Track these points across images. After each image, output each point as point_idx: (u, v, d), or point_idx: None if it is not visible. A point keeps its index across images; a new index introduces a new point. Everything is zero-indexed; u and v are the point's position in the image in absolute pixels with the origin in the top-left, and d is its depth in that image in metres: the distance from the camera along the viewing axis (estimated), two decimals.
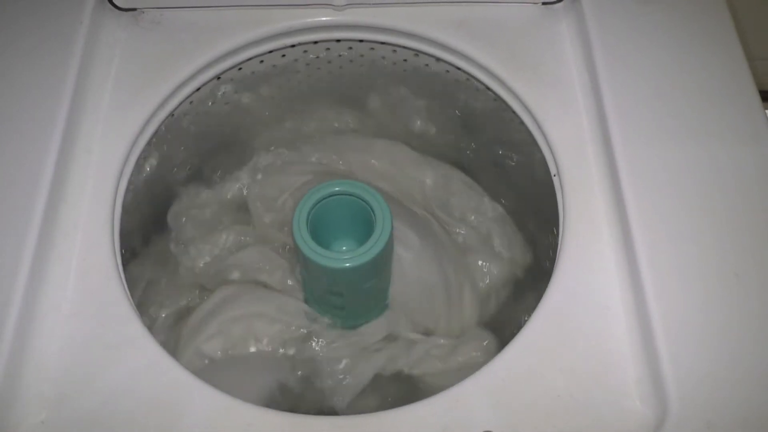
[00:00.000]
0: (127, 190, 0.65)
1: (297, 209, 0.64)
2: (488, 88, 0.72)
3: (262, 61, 0.78)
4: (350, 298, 0.69)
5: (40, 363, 0.53)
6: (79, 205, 0.61)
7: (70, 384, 0.53)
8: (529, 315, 0.57)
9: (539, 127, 0.66)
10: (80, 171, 0.62)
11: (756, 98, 0.63)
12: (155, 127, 0.69)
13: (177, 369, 0.54)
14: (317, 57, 0.82)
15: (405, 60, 0.81)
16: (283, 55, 0.79)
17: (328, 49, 0.81)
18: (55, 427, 0.51)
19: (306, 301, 0.72)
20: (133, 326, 0.55)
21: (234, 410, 0.52)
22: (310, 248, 0.62)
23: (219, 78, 0.76)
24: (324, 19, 0.73)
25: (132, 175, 0.66)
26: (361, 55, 0.82)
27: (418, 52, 0.77)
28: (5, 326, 0.52)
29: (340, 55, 0.82)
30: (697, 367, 0.51)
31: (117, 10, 0.70)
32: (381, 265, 0.66)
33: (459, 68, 0.74)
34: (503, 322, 0.77)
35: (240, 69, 0.77)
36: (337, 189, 0.65)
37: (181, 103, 0.72)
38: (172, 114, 0.72)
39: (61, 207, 0.60)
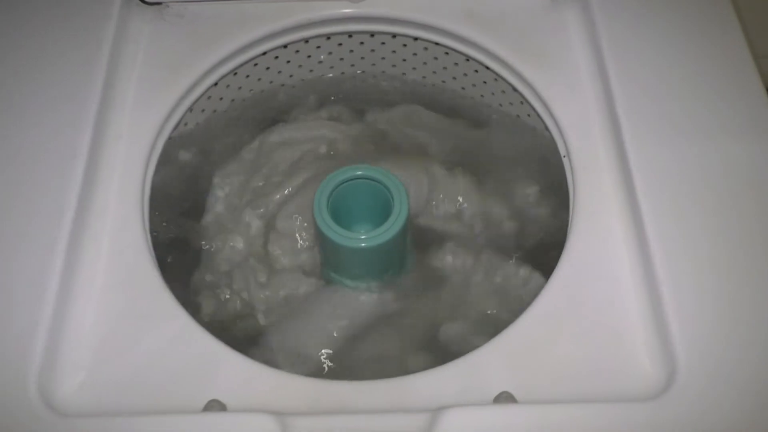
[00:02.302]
0: (155, 173, 0.68)
1: (318, 191, 0.66)
2: (499, 76, 0.75)
3: (276, 57, 0.81)
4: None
5: (78, 331, 0.56)
6: (110, 187, 0.63)
7: (106, 350, 0.55)
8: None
9: (548, 110, 0.69)
10: (111, 156, 0.65)
11: (756, 83, 0.65)
12: (180, 116, 0.72)
13: (206, 337, 0.56)
14: (330, 53, 0.84)
15: (415, 54, 0.83)
16: (297, 51, 0.82)
17: (341, 44, 0.83)
18: (92, 387, 0.53)
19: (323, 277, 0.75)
20: (163, 298, 0.58)
21: (261, 375, 0.54)
22: (329, 227, 0.65)
23: (235, 74, 0.78)
24: (342, 11, 0.76)
25: (159, 159, 0.69)
26: (372, 50, 0.84)
27: (427, 45, 0.80)
28: (46, 298, 0.55)
29: (351, 51, 0.84)
30: (704, 329, 0.53)
31: (144, 5, 0.73)
32: (397, 246, 0.68)
33: (468, 58, 0.77)
34: None
35: (256, 65, 0.80)
36: (358, 173, 0.68)
37: (200, 96, 0.74)
38: (190, 109, 0.74)
39: (95, 189, 0.62)
